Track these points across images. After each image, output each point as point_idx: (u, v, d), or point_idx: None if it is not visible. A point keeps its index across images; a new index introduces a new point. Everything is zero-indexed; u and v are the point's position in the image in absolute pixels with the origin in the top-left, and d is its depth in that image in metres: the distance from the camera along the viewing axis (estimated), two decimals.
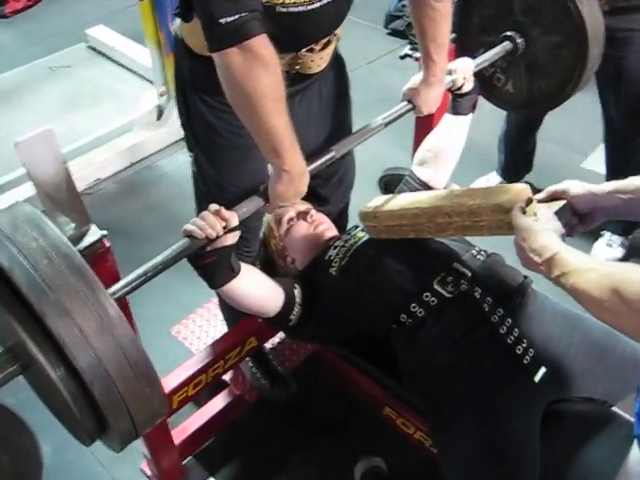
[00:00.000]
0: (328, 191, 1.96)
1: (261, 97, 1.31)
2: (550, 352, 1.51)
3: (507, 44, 1.89)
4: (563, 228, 1.20)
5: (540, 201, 1.34)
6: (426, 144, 1.81)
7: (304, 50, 1.56)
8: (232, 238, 1.31)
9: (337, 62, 1.79)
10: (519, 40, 1.89)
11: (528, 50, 1.91)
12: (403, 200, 1.62)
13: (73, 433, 1.16)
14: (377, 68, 4.00)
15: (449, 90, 1.73)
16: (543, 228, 1.18)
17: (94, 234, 1.35)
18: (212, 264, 1.32)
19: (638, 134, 2.50)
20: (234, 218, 1.30)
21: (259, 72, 1.29)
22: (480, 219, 1.39)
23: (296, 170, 1.41)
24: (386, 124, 1.60)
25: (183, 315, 2.49)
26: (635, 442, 1.15)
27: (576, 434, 1.58)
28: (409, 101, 1.72)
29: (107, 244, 1.37)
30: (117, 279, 1.43)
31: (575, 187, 1.28)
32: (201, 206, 1.90)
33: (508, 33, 1.90)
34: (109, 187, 3.22)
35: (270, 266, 1.83)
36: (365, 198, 1.72)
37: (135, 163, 3.33)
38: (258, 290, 1.52)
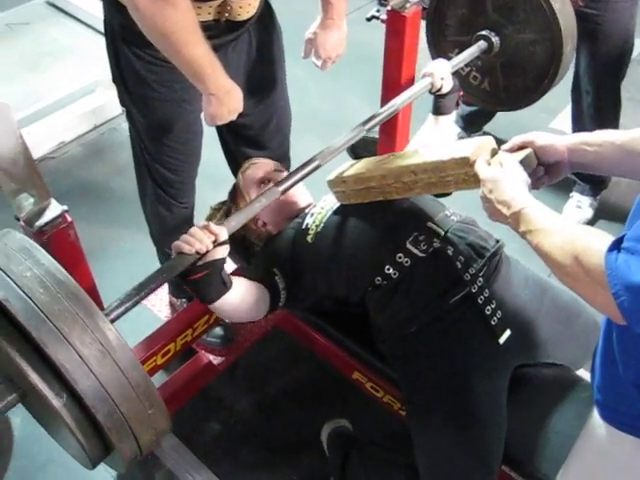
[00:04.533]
0: (267, 137, 2.01)
1: (174, 33, 1.41)
2: (519, 315, 1.53)
3: (482, 43, 1.89)
4: (529, 178, 1.21)
5: (505, 152, 1.33)
6: (413, 144, 1.82)
7: None
8: (222, 252, 1.32)
9: (267, 11, 1.82)
10: (494, 39, 1.89)
11: (503, 48, 1.91)
12: (369, 163, 1.62)
13: (76, 458, 1.16)
14: (347, 25, 3.92)
15: (429, 92, 1.74)
16: (510, 178, 1.18)
17: (55, 209, 1.32)
18: (204, 279, 1.33)
19: (607, 98, 2.52)
20: (223, 232, 1.31)
21: (167, 11, 1.37)
22: (446, 174, 1.39)
23: (222, 91, 1.54)
24: (367, 130, 1.61)
25: None
26: (595, 408, 1.18)
27: (542, 397, 1.62)
28: (309, 41, 1.83)
29: (69, 219, 1.34)
30: (80, 255, 1.42)
31: (541, 138, 1.28)
32: (138, 162, 1.93)
33: (483, 32, 1.89)
34: (74, 150, 3.15)
35: (239, 229, 1.82)
36: (337, 162, 1.71)
37: (99, 125, 3.26)
38: (247, 299, 1.52)
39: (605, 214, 2.79)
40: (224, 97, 1.55)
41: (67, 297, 0.98)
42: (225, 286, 1.38)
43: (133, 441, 1.02)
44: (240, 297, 1.48)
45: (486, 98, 2.08)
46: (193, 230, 1.29)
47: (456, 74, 1.77)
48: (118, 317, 1.17)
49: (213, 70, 1.50)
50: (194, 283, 1.34)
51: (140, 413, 1.02)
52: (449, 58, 1.93)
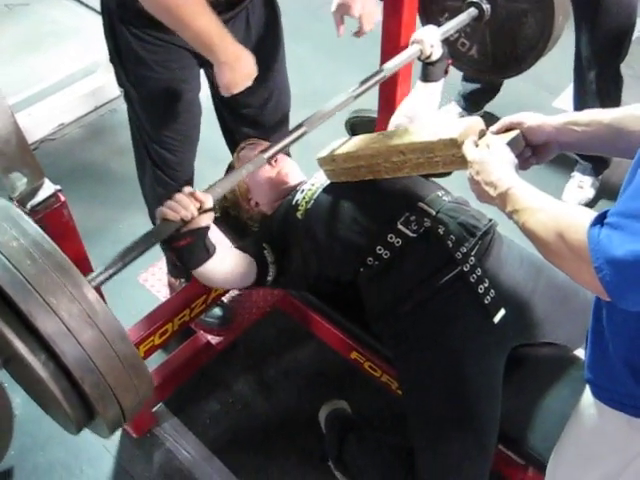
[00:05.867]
0: (266, 118, 1.99)
1: (178, 6, 1.41)
2: (514, 295, 1.53)
3: (473, 10, 1.86)
4: (516, 159, 1.20)
5: (494, 133, 1.33)
6: (401, 110, 1.80)
7: None
8: (207, 219, 1.32)
9: None
10: (485, 6, 1.86)
11: (494, 16, 1.88)
12: (359, 141, 1.61)
13: (60, 424, 1.17)
14: None
15: (418, 59, 1.72)
16: (497, 159, 1.18)
17: (48, 189, 1.32)
18: (188, 246, 1.33)
19: (607, 75, 2.49)
20: (208, 199, 1.31)
21: None
22: (434, 155, 1.40)
23: (232, 58, 1.52)
24: (355, 97, 1.58)
25: (149, 263, 2.48)
26: (587, 386, 1.18)
27: (538, 377, 1.62)
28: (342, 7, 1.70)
29: (62, 198, 1.34)
30: (74, 234, 1.42)
31: (529, 118, 1.28)
32: (137, 143, 1.93)
33: None
34: (73, 132, 3.15)
35: (232, 210, 1.83)
36: (331, 139, 1.70)
37: (100, 106, 3.25)
38: (231, 267, 1.53)
39: (607, 194, 2.76)
40: (235, 64, 1.53)
41: (54, 268, 0.97)
42: (208, 253, 1.39)
43: (117, 409, 1.04)
44: (224, 265, 1.49)
45: (473, 65, 2.06)
46: (179, 197, 1.28)
47: (445, 40, 1.74)
48: (102, 283, 1.17)
49: (221, 39, 1.49)
50: (177, 249, 1.34)
51: (125, 382, 1.03)
52: (438, 23, 1.90)
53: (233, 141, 2.04)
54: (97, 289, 1.12)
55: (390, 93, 2.02)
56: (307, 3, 3.86)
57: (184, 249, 1.34)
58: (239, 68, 1.55)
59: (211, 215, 1.32)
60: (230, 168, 1.84)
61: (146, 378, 1.08)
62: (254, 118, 1.97)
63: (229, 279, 1.55)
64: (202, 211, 1.29)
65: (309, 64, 3.30)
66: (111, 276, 1.19)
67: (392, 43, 1.92)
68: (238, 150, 1.83)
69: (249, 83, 1.60)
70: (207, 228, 1.34)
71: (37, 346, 0.97)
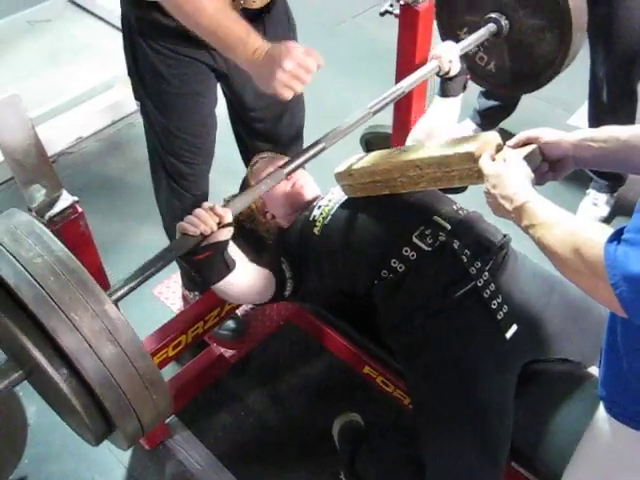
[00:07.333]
0: (280, 133, 1.99)
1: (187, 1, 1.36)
2: (526, 311, 1.53)
3: (491, 26, 1.87)
4: (532, 173, 1.21)
5: (511, 147, 1.34)
6: (419, 125, 1.81)
7: None
8: (226, 234, 1.32)
9: (282, 6, 1.80)
10: (504, 22, 1.87)
11: (512, 32, 1.90)
12: (376, 156, 1.62)
13: (80, 435, 1.19)
14: (363, 22, 3.93)
15: (437, 75, 1.72)
16: (513, 173, 1.18)
17: (65, 200, 1.34)
18: (207, 260, 1.33)
19: (622, 93, 2.49)
20: (228, 214, 1.31)
21: None
22: (451, 169, 1.40)
23: (257, 54, 1.36)
24: (374, 113, 1.57)
25: (164, 275, 2.49)
26: (601, 403, 1.17)
27: (552, 393, 1.61)
28: None
29: (79, 209, 1.36)
30: (90, 245, 1.44)
31: (547, 134, 1.28)
32: (152, 155, 1.94)
33: (493, 15, 1.87)
34: (91, 146, 3.18)
35: (248, 223, 1.84)
36: (347, 155, 1.72)
37: (117, 121, 3.29)
38: (251, 282, 1.54)
39: (622, 212, 2.75)
40: (265, 59, 1.36)
41: (77, 285, 0.99)
42: (228, 268, 1.39)
43: (137, 423, 1.05)
44: (243, 280, 1.49)
45: (491, 79, 2.07)
46: (198, 211, 1.29)
47: (463, 55, 1.75)
48: (122, 297, 1.17)
49: (240, 37, 1.37)
50: (197, 264, 1.34)
51: (145, 398, 1.04)
52: (457, 36, 1.90)
53: (248, 155, 2.05)
54: (116, 303, 1.13)
55: (405, 109, 2.04)
56: (323, 20, 3.90)
57: (203, 263, 1.34)
58: (273, 65, 1.34)
59: (230, 230, 1.33)
60: (245, 182, 1.86)
61: (165, 394, 1.09)
62: (268, 133, 1.98)
63: (247, 294, 1.56)
64: (221, 225, 1.30)
65: (323, 80, 3.30)
66: (131, 290, 1.19)
67: (407, 60, 1.94)
68: (252, 164, 1.85)
69: (306, 81, 1.35)
70: (226, 242, 1.34)
71: (59, 361, 0.99)
